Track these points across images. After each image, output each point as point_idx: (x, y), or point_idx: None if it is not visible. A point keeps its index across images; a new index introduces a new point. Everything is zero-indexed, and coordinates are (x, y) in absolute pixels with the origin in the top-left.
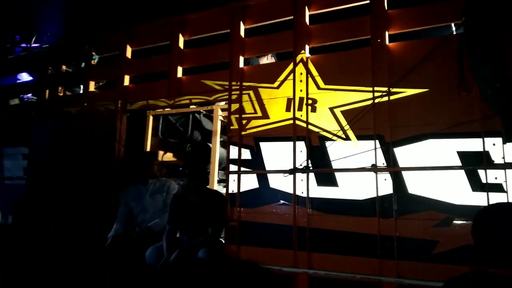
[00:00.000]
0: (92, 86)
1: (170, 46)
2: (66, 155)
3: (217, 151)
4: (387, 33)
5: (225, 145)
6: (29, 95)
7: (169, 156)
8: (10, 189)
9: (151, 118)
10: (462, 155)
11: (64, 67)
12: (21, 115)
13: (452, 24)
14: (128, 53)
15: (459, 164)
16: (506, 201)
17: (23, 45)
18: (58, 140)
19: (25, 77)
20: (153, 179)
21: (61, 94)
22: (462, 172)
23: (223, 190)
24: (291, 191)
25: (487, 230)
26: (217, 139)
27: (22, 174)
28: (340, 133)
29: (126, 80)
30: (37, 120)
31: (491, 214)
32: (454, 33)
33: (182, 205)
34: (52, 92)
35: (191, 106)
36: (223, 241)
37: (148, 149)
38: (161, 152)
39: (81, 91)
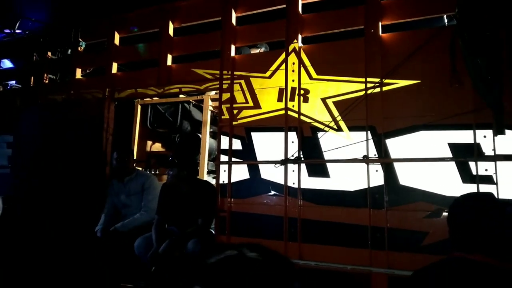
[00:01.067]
0: (78, 74)
1: (160, 34)
2: (53, 143)
3: (207, 142)
4: (380, 24)
5: (215, 135)
6: (13, 82)
7: (157, 146)
8: None
9: (139, 107)
10: (453, 146)
11: (50, 54)
12: (5, 102)
13: (445, 16)
14: (117, 40)
15: (450, 155)
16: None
17: (6, 30)
18: (44, 128)
19: (7, 64)
20: (129, 175)
21: (47, 82)
22: (453, 163)
23: (213, 181)
24: (282, 182)
25: (472, 218)
26: (207, 129)
27: (6, 163)
28: (332, 124)
29: (114, 68)
30: (22, 108)
31: (475, 202)
32: (446, 24)
33: (172, 195)
34: (37, 79)
35: (180, 96)
36: (213, 232)
37: (136, 139)
38: (149, 142)
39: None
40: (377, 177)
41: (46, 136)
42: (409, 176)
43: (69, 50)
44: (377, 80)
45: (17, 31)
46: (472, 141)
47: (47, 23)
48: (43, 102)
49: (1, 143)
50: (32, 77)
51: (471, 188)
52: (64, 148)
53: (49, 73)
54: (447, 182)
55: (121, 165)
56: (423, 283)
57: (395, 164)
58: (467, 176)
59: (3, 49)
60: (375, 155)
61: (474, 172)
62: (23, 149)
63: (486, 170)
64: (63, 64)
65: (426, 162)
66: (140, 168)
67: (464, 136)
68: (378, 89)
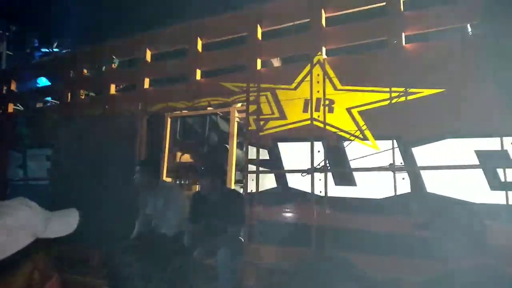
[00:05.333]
0: (113, 89)
1: (189, 50)
2: (89, 156)
3: (234, 152)
4: (403, 34)
5: (241, 146)
6: (49, 98)
7: (186, 157)
8: (34, 189)
9: (169, 120)
10: (480, 154)
11: (85, 71)
12: (44, 118)
13: (468, 25)
14: (148, 56)
15: (477, 163)
16: None
17: (44, 50)
18: (80, 141)
19: (44, 81)
20: (154, 188)
21: (83, 97)
22: (481, 171)
23: (240, 190)
24: (309, 190)
25: None
26: (234, 140)
27: (45, 175)
28: (358, 133)
29: (146, 83)
30: (60, 122)
31: None
32: (470, 34)
33: (202, 205)
34: (74, 95)
35: (208, 108)
36: (243, 240)
37: (166, 150)
38: (179, 154)
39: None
40: (404, 185)
41: (82, 149)
42: (436, 183)
43: (103, 67)
44: (402, 89)
45: (55, 49)
46: (500, 148)
47: (82, 42)
48: (80, 117)
49: (41, 156)
50: (69, 93)
51: (500, 195)
52: (100, 160)
53: (84, 89)
54: (475, 190)
55: (143, 178)
56: None
57: (422, 172)
58: (495, 183)
59: (40, 67)
60: (401, 163)
61: (502, 179)
62: (61, 161)
63: None
64: (98, 80)
65: (453, 169)
66: (169, 179)
67: (491, 143)
68: (403, 99)
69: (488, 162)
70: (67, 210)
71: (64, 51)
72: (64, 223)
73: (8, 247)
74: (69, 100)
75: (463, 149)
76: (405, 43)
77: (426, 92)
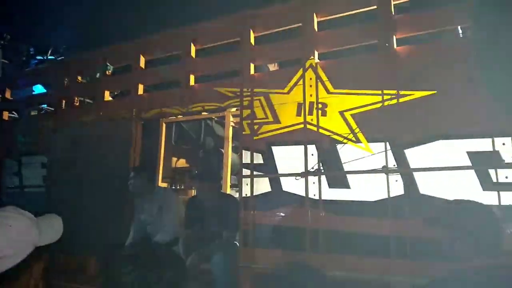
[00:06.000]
0: (107, 95)
1: (182, 55)
2: (84, 163)
3: (229, 157)
4: (394, 37)
5: (237, 150)
6: (44, 105)
7: (182, 162)
8: (29, 196)
9: (164, 125)
10: (472, 155)
11: (80, 78)
12: (39, 125)
13: (459, 27)
14: (142, 63)
15: (469, 164)
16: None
17: (39, 57)
18: (75, 148)
19: (39, 89)
20: (149, 193)
21: (77, 104)
22: (473, 172)
23: (236, 195)
24: (303, 194)
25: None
26: (229, 144)
27: (41, 182)
28: (351, 136)
29: (140, 89)
30: (55, 130)
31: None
32: (461, 35)
33: (197, 210)
34: (68, 102)
35: (203, 113)
36: (238, 244)
37: (162, 156)
38: (174, 159)
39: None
40: (397, 187)
41: (77, 156)
42: (429, 185)
43: (98, 74)
44: (394, 92)
45: (50, 57)
46: (491, 149)
47: (76, 49)
48: (75, 124)
49: (36, 163)
50: (64, 101)
51: (492, 195)
52: (95, 167)
53: (79, 95)
54: (467, 191)
55: (138, 184)
56: None
57: (415, 174)
58: (487, 184)
59: (36, 75)
60: (394, 165)
61: (494, 180)
62: (57, 169)
63: (506, 177)
64: (92, 87)
65: (445, 171)
66: (164, 185)
67: (482, 144)
68: (394, 101)
69: (480, 163)
70: (49, 215)
71: (59, 58)
72: (52, 229)
73: (13, 259)
74: (63, 107)
75: (455, 150)
76: (396, 46)
77: (418, 94)
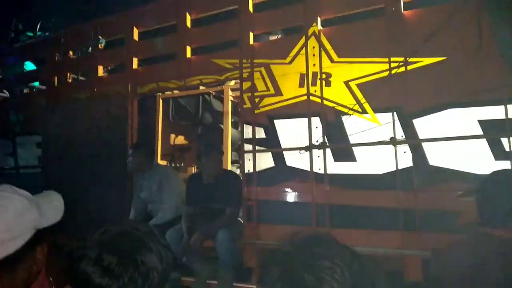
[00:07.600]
0: (101, 71)
1: (178, 26)
2: (80, 141)
3: (229, 132)
4: (402, 1)
5: (237, 126)
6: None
7: (181, 139)
8: (25, 178)
9: (161, 101)
10: (483, 123)
11: (71, 53)
12: (32, 104)
13: None
14: (135, 35)
15: (481, 133)
16: None
17: (29, 33)
18: (70, 126)
19: (30, 66)
20: (148, 171)
21: (70, 81)
22: (484, 141)
23: (237, 171)
24: (308, 168)
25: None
26: (229, 120)
27: (37, 162)
28: (357, 107)
29: (135, 63)
30: (48, 108)
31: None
32: None
33: (199, 186)
34: (61, 79)
35: (200, 88)
36: (241, 221)
37: (159, 132)
38: (172, 136)
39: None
40: (406, 159)
41: (72, 134)
42: (439, 156)
43: (90, 49)
44: (401, 59)
45: (38, 33)
46: (504, 117)
47: (66, 23)
48: (68, 101)
49: (31, 143)
50: (56, 78)
51: (505, 165)
52: (90, 145)
53: (72, 72)
54: (479, 160)
55: (137, 162)
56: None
57: (424, 145)
58: (500, 153)
59: (26, 51)
60: (402, 136)
61: (507, 149)
62: (52, 148)
63: None
64: (85, 62)
65: (456, 140)
66: (163, 162)
67: (494, 112)
68: (402, 69)
69: (492, 132)
70: (48, 192)
71: (48, 33)
72: (53, 208)
73: (12, 244)
74: (56, 85)
75: (465, 119)
76: (404, 10)
77: (427, 61)
